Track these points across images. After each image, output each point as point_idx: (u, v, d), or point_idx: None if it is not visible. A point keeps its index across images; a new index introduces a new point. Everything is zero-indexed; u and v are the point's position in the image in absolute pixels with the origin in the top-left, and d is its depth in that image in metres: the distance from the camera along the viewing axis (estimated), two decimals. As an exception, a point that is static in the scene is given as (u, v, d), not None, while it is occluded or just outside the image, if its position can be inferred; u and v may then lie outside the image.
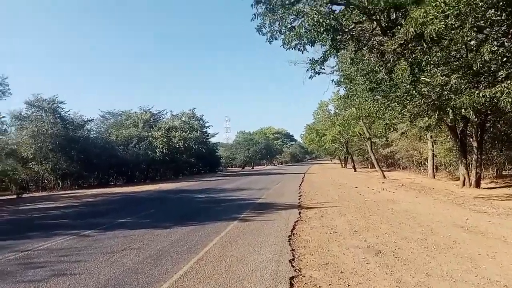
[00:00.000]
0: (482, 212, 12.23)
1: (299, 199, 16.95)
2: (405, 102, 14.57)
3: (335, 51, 10.58)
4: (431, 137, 31.34)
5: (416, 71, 10.88)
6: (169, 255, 7.32)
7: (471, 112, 10.68)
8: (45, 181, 33.74)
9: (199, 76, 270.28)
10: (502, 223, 10.15)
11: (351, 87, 13.78)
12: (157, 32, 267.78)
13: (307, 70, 12.08)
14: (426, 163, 42.08)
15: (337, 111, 49.02)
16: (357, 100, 14.64)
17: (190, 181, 37.86)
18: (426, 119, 20.71)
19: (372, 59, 11.51)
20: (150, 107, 49.33)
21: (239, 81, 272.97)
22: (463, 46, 12.45)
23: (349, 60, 12.86)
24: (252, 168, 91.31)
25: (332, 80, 24.70)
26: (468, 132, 24.00)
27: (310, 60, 11.92)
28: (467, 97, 9.83)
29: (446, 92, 12.15)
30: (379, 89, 12.58)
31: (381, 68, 10.54)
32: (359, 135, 40.71)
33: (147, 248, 7.91)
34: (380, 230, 9.38)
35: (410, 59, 10.71)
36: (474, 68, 11.53)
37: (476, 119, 21.76)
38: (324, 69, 12.06)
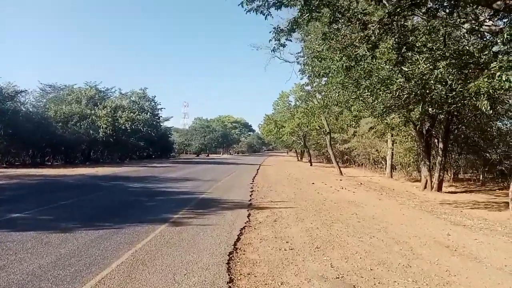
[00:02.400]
0: (461, 225, 10.46)
1: (250, 195, 14.66)
2: (378, 93, 12.56)
3: (307, 15, 8.22)
4: (392, 135, 30.16)
5: (403, 50, 8.86)
6: (38, 285, 4.73)
7: (486, 102, 8.68)
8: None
9: (159, 57, 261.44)
10: (492, 242, 8.32)
11: (321, 67, 11.61)
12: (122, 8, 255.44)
13: (270, 40, 9.68)
14: (383, 162, 41.43)
15: (297, 103, 47.34)
16: (330, 81, 12.47)
17: (135, 166, 34.60)
18: (393, 115, 19.11)
19: (350, 32, 9.32)
20: (98, 83, 45.07)
21: (201, 67, 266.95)
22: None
23: (321, 36, 10.58)
24: (207, 156, 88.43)
25: (299, 70, 22.53)
26: (433, 133, 22.77)
27: (274, 28, 9.51)
28: (484, 80, 7.85)
29: (431, 82, 10.21)
30: (358, 67, 10.43)
31: (363, 42, 8.41)
32: (318, 128, 39.13)
33: (12, 269, 5.24)
34: (348, 247, 7.24)
35: (397, 34, 8.62)
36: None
37: (443, 117, 20.49)
38: (290, 40, 9.71)
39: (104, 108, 40.10)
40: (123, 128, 40.88)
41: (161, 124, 59.40)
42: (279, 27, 9.44)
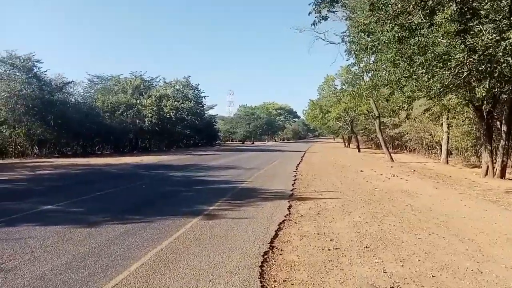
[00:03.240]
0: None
1: (293, 184, 13.78)
2: (435, 70, 11.12)
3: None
4: (447, 118, 27.93)
5: (467, 16, 7.54)
6: (44, 291, 4.20)
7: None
8: (18, 146, 30.55)
9: (204, 47, 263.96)
10: None
11: (369, 42, 10.34)
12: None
13: (309, 13, 8.65)
14: (438, 147, 38.90)
15: (343, 86, 45.44)
16: (380, 58, 11.16)
17: (180, 154, 34.72)
18: (451, 95, 17.37)
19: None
20: (143, 73, 45.63)
21: (245, 55, 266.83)
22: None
23: (368, 7, 9.37)
24: (253, 143, 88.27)
25: (345, 50, 21.09)
26: (495, 114, 20.64)
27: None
28: None
29: (500, 54, 8.74)
30: (412, 39, 9.13)
31: (418, 8, 7.18)
32: (367, 112, 37.28)
33: (21, 272, 4.75)
34: (403, 247, 6.21)
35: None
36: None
37: (506, 97, 18.38)
38: (333, 11, 8.64)
39: (149, 97, 40.54)
40: (167, 116, 41.21)
41: (206, 112, 59.64)
42: (321, -4, 8.39)
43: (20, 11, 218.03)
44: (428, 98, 13.45)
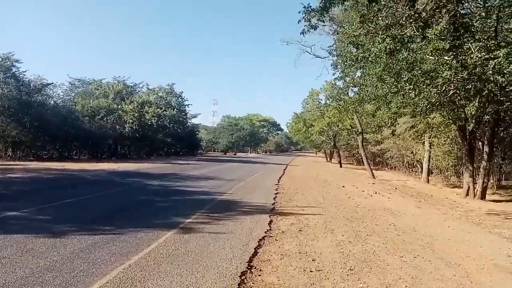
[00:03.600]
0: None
1: (274, 198, 13.39)
2: (422, 86, 11.00)
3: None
4: (429, 137, 28.11)
5: (459, 32, 7.38)
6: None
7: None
8: (-7, 148, 29.36)
9: (189, 55, 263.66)
10: None
11: (360, 53, 10.10)
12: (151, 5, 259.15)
13: (299, 21, 8.39)
14: (418, 165, 39.19)
15: (327, 101, 45.58)
16: (368, 72, 10.92)
17: (159, 162, 33.96)
18: (435, 114, 17.37)
19: (394, 10, 7.86)
20: (126, 78, 44.78)
21: (231, 65, 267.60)
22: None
23: (358, 19, 9.17)
24: (235, 154, 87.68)
25: (332, 64, 21.01)
26: (477, 135, 20.80)
27: (305, 7, 8.21)
28: None
29: (489, 72, 8.61)
30: (401, 54, 8.95)
31: (411, 20, 6.99)
32: (350, 128, 37.38)
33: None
34: (388, 270, 5.88)
35: (452, 13, 7.15)
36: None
37: (488, 118, 18.51)
38: (323, 21, 8.37)
39: (131, 103, 39.73)
40: (149, 123, 40.41)
41: (189, 121, 58.99)
42: (310, 6, 8.13)
43: (12, 11, 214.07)
44: (414, 115, 13.31)
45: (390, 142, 39.40)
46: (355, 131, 35.61)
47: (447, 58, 10.79)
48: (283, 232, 8.07)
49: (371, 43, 8.79)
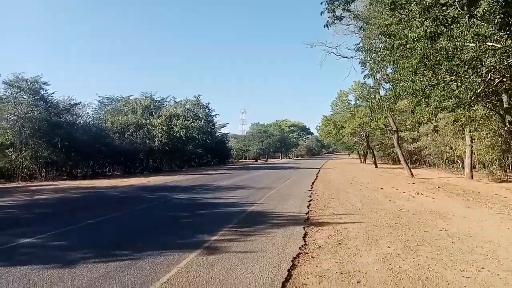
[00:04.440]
0: None
1: (308, 206, 12.43)
2: (465, 77, 9.83)
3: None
4: (470, 131, 26.28)
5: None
6: None
7: None
8: (25, 170, 29.79)
9: (214, 68, 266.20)
10: None
11: (394, 42, 9.08)
12: (170, 20, 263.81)
13: (322, 12, 7.51)
14: (459, 161, 37.06)
15: (357, 101, 44.19)
16: (402, 65, 9.83)
17: (190, 174, 33.62)
18: (478, 106, 15.98)
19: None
20: (153, 93, 45.15)
21: (256, 73, 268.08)
22: None
23: (389, 6, 8.19)
24: (266, 161, 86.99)
25: (360, 62, 19.93)
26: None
27: (327, -2, 7.32)
28: None
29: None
30: (443, 37, 7.88)
31: (454, -1, 5.98)
32: (384, 126, 35.85)
33: None
34: (452, 291, 4.86)
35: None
36: None
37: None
38: (349, 10, 7.47)
39: (159, 117, 39.84)
40: (178, 136, 40.39)
41: (217, 131, 58.87)
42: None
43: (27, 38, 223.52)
44: (456, 108, 12.04)
45: (427, 139, 37.56)
46: (389, 130, 34.08)
47: (490, 44, 9.63)
48: (320, 247, 7.15)
49: (408, 28, 7.76)
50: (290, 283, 5.18)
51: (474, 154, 29.47)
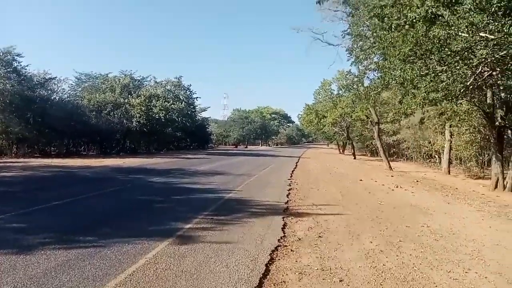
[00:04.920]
0: None
1: (287, 195, 12.09)
2: (456, 67, 9.54)
3: None
4: (451, 126, 26.39)
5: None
6: None
7: None
8: (-4, 145, 28.48)
9: (197, 50, 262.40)
10: None
11: (392, 22, 8.64)
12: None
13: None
14: (436, 156, 37.48)
15: (340, 91, 43.96)
16: (393, 52, 9.40)
17: (167, 157, 32.90)
18: (460, 101, 15.81)
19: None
20: (133, 72, 43.71)
21: (240, 58, 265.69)
22: None
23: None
24: (246, 147, 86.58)
25: (347, 49, 19.46)
26: (506, 123, 19.14)
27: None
28: None
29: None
30: (444, 19, 7.49)
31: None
32: (366, 118, 35.80)
33: None
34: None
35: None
36: None
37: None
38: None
39: (138, 97, 38.66)
40: (157, 117, 39.35)
41: (198, 114, 57.99)
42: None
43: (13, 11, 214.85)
44: (446, 100, 11.77)
45: (407, 132, 37.80)
46: (370, 121, 34.05)
47: (482, 34, 9.35)
48: (299, 239, 6.78)
49: (407, 8, 7.33)
50: (268, 279, 4.77)
51: (452, 150, 29.74)
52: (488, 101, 17.48)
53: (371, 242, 6.83)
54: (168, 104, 40.58)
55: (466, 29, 9.19)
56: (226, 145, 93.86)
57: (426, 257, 6.10)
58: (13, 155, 29.11)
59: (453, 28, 8.99)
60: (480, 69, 9.91)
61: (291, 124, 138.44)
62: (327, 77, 60.81)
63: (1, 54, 27.75)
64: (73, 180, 14.73)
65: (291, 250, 6.09)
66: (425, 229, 8.20)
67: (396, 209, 10.71)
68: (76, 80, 41.73)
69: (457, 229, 8.43)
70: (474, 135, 27.03)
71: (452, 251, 6.55)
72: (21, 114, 27.65)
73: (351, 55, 18.87)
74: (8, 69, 27.65)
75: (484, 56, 9.67)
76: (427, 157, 39.88)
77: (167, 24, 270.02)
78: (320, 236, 7.05)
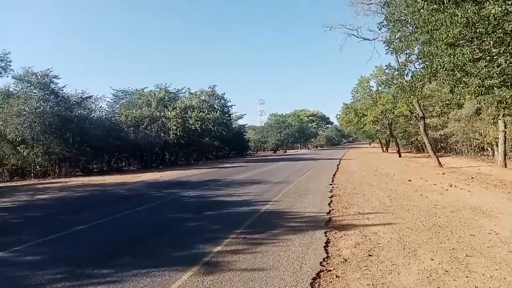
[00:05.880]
0: None
1: (329, 204, 11.02)
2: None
3: None
4: (504, 115, 24.21)
5: None
6: None
7: None
8: (37, 166, 29.15)
9: (234, 57, 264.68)
10: None
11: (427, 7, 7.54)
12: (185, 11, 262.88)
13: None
14: (489, 148, 34.91)
15: (379, 88, 42.12)
16: (440, 36, 8.22)
17: (205, 167, 32.52)
18: None
19: None
20: (168, 85, 44.08)
21: (274, 64, 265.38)
22: None
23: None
24: (285, 152, 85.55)
25: (384, 42, 18.19)
26: None
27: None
28: None
29: None
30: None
31: None
32: (409, 113, 33.91)
33: None
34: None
35: None
36: None
37: None
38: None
39: (173, 109, 38.78)
40: (193, 128, 39.30)
41: (234, 122, 57.73)
42: None
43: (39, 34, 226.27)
44: (504, 87, 10.32)
45: (454, 125, 35.50)
46: (415, 116, 32.13)
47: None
48: (345, 260, 5.78)
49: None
50: (308, 322, 3.84)
51: (508, 141, 27.39)
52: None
53: (432, 260, 5.71)
54: (203, 114, 40.48)
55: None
56: (264, 151, 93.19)
57: (504, 277, 4.94)
58: (55, 175, 29.72)
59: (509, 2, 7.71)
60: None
61: (329, 126, 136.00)
62: (365, 74, 58.90)
63: (39, 77, 28.48)
64: (104, 199, 14.34)
65: (336, 276, 5.11)
66: (493, 238, 6.95)
67: (454, 213, 9.40)
68: (114, 97, 42.68)
69: (534, 235, 7.11)
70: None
71: (535, 268, 5.33)
72: (61, 134, 28.18)
73: (389, 47, 17.56)
74: (46, 92, 28.34)
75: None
76: (478, 150, 37.31)
77: (197, 36, 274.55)
78: (370, 255, 6.01)
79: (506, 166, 26.20)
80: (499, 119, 25.28)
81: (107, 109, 40.49)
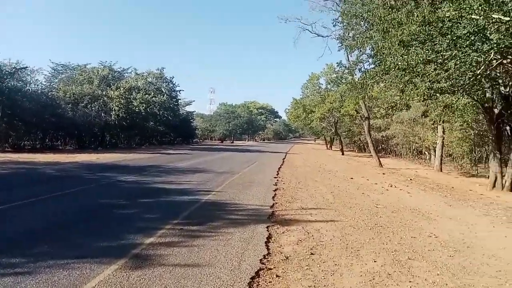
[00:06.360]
0: None
1: (273, 197, 10.74)
2: (466, 53, 8.30)
3: None
4: (443, 121, 25.37)
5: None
6: None
7: None
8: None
9: (185, 44, 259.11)
10: None
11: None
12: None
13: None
14: (426, 152, 36.72)
15: (328, 86, 42.92)
16: (395, 33, 8.14)
17: (148, 152, 31.29)
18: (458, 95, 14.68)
19: None
20: (113, 63, 41.73)
21: (227, 53, 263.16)
22: None
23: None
24: (232, 142, 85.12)
25: (338, 38, 18.21)
26: (505, 119, 18.13)
27: None
28: None
29: None
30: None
31: None
32: (355, 113, 34.74)
33: None
34: None
35: None
36: None
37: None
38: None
39: (117, 89, 36.78)
40: (137, 110, 37.56)
41: (182, 108, 56.26)
42: None
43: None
44: (452, 91, 10.55)
45: (396, 128, 36.95)
46: (360, 116, 32.97)
47: (495, 16, 8.14)
48: (287, 258, 5.44)
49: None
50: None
51: (444, 146, 28.86)
52: (488, 95, 16.43)
53: (374, 261, 5.53)
54: (149, 97, 38.82)
55: (478, 9, 7.95)
56: (212, 140, 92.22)
57: (446, 283, 4.83)
58: (-19, 149, 27.15)
59: (464, 7, 7.73)
60: (492, 56, 8.67)
61: (278, 120, 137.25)
62: (316, 71, 59.80)
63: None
64: (30, 179, 13.08)
65: (277, 276, 4.74)
66: (434, 241, 6.96)
67: (395, 213, 9.48)
68: (52, 71, 39.67)
69: (470, 240, 7.22)
70: (467, 131, 26.20)
71: (473, 272, 5.31)
72: (-12, 106, 25.71)
73: (342, 44, 17.62)
74: (-27, 58, 25.67)
75: (495, 42, 8.45)
76: (416, 153, 39.11)
77: (152, 17, 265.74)
78: (312, 253, 5.72)
79: (441, 170, 27.58)
80: (439, 124, 26.47)
81: (44, 83, 37.61)
